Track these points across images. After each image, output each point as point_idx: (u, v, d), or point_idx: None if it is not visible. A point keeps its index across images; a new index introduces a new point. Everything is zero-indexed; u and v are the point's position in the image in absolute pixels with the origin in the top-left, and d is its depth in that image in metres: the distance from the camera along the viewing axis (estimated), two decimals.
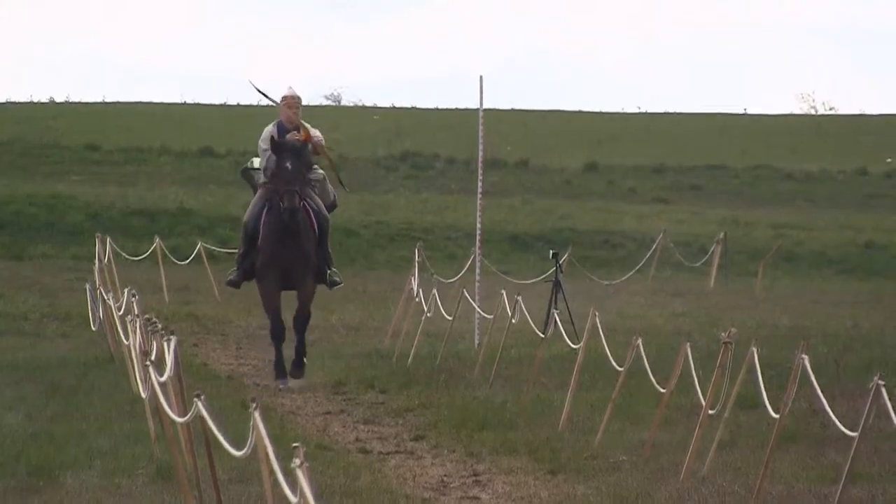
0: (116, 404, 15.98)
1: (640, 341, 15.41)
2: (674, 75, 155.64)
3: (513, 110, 73.89)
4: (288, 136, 18.08)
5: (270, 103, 19.63)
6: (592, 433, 15.05)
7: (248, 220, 18.50)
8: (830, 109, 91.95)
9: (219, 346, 23.00)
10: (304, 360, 18.37)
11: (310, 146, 18.31)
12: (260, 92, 18.99)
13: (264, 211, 18.04)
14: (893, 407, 11.09)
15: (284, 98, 18.52)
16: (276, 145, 17.95)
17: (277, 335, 18.10)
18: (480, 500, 12.77)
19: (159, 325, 15.63)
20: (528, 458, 14.23)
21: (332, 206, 18.86)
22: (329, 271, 18.37)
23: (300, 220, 17.72)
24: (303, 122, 18.30)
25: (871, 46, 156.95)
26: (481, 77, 22.99)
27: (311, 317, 18.69)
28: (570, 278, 27.55)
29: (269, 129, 18.23)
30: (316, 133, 18.49)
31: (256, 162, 18.78)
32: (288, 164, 17.58)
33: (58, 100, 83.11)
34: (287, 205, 17.41)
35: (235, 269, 18.61)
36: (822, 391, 12.34)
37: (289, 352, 18.53)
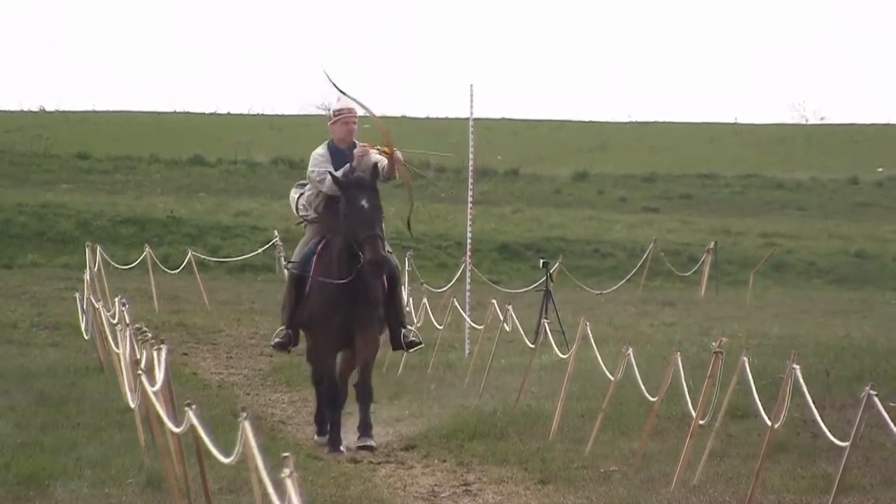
0: (106, 413, 15.96)
1: (630, 351, 15.41)
2: (664, 84, 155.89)
3: (503, 119, 74.02)
4: (357, 161, 15.37)
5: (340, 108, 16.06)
6: (583, 443, 15.03)
7: (295, 269, 15.71)
8: (821, 119, 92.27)
9: (209, 356, 23.00)
10: (371, 425, 15.47)
11: (382, 169, 15.40)
12: (337, 87, 15.82)
13: (315, 256, 15.39)
14: (889, 415, 11.11)
15: (338, 112, 15.69)
16: (346, 182, 15.08)
17: (333, 402, 15.46)
18: None
19: (150, 335, 15.63)
20: (519, 467, 14.23)
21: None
22: (403, 330, 15.80)
23: (372, 280, 15.14)
24: (372, 152, 15.56)
25: (861, 56, 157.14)
26: (472, 86, 22.92)
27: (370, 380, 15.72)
28: (560, 287, 27.57)
29: (321, 154, 15.51)
30: (378, 158, 15.57)
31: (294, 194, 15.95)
32: (364, 203, 14.92)
33: (48, 108, 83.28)
34: (370, 256, 14.75)
35: (283, 328, 15.81)
36: (813, 401, 12.33)
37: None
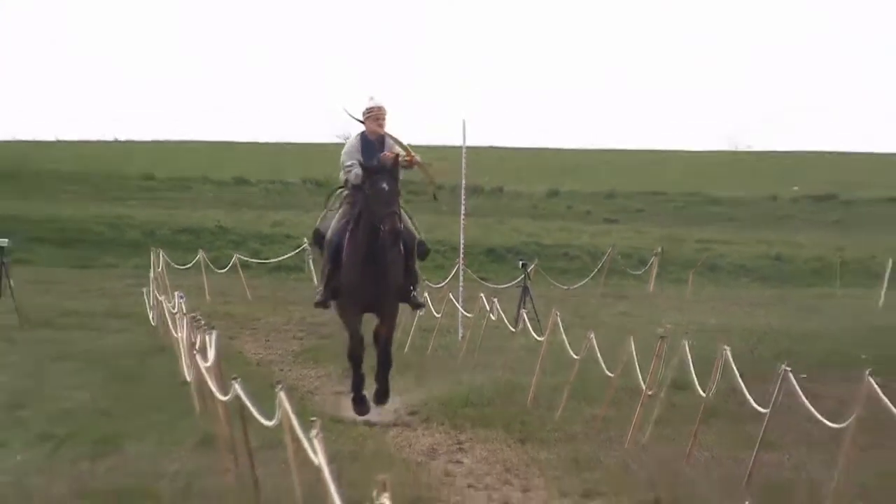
0: (168, 386, 15.98)
1: (592, 335, 15.50)
2: (623, 117, 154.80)
3: (490, 147, 73.72)
4: (383, 156, 15.13)
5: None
6: (554, 409, 15.13)
7: (332, 238, 15.40)
8: (748, 147, 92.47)
9: (250, 339, 23.00)
10: (389, 385, 15.46)
11: (402, 160, 15.30)
12: (350, 115, 15.57)
13: (350, 231, 15.15)
14: (800, 388, 11.23)
15: (369, 110, 15.36)
16: (370, 167, 14.91)
17: (356, 357, 15.33)
18: (463, 464, 12.77)
19: (202, 322, 15.69)
20: (502, 429, 14.26)
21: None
22: (413, 292, 15.69)
23: (392, 250, 14.99)
24: (391, 135, 15.41)
25: (781, 95, 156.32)
26: (464, 121, 22.91)
27: (392, 340, 15.81)
28: (535, 284, 27.57)
29: (353, 143, 15.35)
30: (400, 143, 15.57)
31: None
32: (385, 186, 14.76)
33: (120, 139, 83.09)
34: (389, 227, 14.59)
35: (321, 289, 15.56)
36: (740, 376, 12.43)
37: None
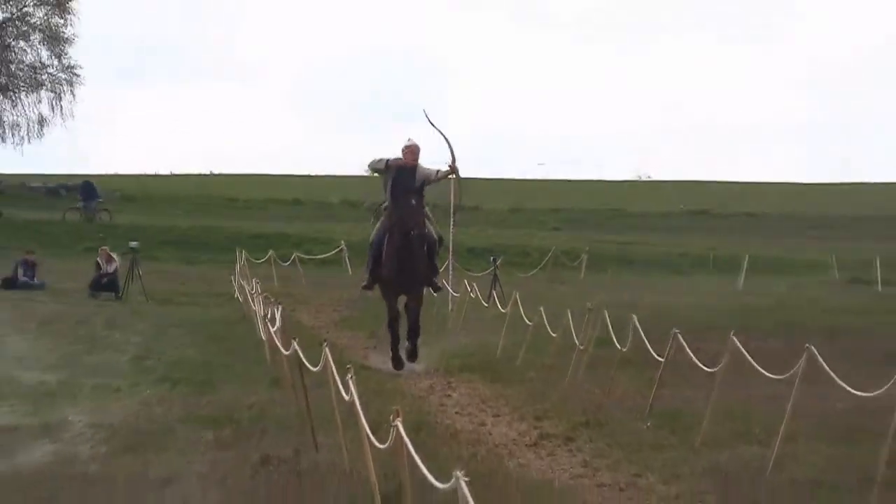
0: (248, 344, 15.97)
1: (542, 308, 15.54)
2: (562, 154, 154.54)
3: (472, 178, 74.21)
4: (420, 177, 14.52)
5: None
6: (515, 360, 15.12)
7: (374, 240, 14.89)
8: (648, 176, 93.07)
9: (305, 312, 22.99)
10: (418, 347, 15.02)
11: (438, 176, 14.80)
12: (432, 124, 15.01)
13: (387, 235, 14.64)
14: (686, 344, 11.25)
15: (408, 147, 14.64)
16: (409, 189, 14.37)
17: (394, 326, 14.84)
18: (452, 398, 12.78)
19: (272, 299, 15.75)
20: (479, 374, 14.27)
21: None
22: (435, 279, 15.29)
23: (419, 248, 14.56)
24: (426, 167, 14.74)
25: (679, 130, 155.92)
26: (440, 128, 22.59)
27: (420, 316, 15.23)
28: (502, 273, 27.62)
29: (383, 158, 14.68)
30: (432, 171, 14.87)
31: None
32: (413, 202, 14.30)
33: (215, 172, 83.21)
34: (417, 232, 14.31)
35: (368, 276, 15.07)
36: (645, 337, 12.45)
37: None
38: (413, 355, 14.89)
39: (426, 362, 15.36)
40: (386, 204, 14.82)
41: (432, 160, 15.19)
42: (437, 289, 15.76)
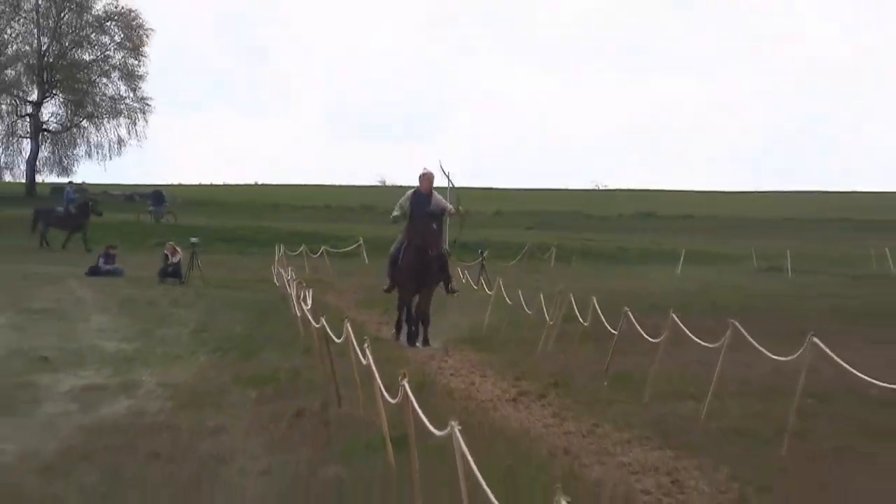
0: (285, 320, 15.91)
1: (520, 291, 15.55)
2: (533, 167, 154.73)
3: (461, 188, 74.40)
4: (436, 205, 14.29)
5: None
6: (498, 333, 15.07)
7: (393, 252, 14.58)
8: (605, 186, 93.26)
9: (331, 294, 22.89)
10: (429, 336, 14.52)
11: (450, 211, 14.73)
12: (446, 175, 14.98)
13: (404, 247, 14.35)
14: (635, 320, 11.25)
15: (424, 175, 14.46)
16: (430, 213, 14.16)
17: (410, 321, 14.54)
18: (448, 363, 12.74)
19: (304, 284, 15.69)
20: (470, 344, 14.26)
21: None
22: (451, 286, 14.95)
23: (434, 265, 14.21)
24: (439, 197, 14.56)
25: (632, 145, 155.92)
26: (449, 172, 22.67)
27: (430, 307, 14.72)
28: (488, 263, 27.58)
29: (407, 195, 14.42)
30: (445, 204, 14.75)
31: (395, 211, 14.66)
32: (434, 226, 14.11)
33: (259, 182, 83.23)
34: (434, 251, 14.03)
35: (387, 281, 14.85)
36: (602, 314, 12.46)
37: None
38: (425, 342, 14.49)
39: (438, 340, 15.29)
40: (395, 215, 14.53)
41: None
42: (452, 291, 15.34)
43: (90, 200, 35.96)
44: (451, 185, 14.99)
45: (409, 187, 14.88)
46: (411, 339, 14.41)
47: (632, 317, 11.24)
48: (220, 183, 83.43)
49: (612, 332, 11.71)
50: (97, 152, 61.09)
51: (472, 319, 16.52)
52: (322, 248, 33.65)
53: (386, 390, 6.86)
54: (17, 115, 60.80)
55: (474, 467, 4.54)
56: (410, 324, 14.52)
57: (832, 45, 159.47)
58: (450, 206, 14.76)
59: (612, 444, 8.20)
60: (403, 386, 6.04)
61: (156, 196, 50.65)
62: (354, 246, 36.25)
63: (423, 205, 14.26)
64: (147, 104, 61.48)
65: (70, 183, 41.54)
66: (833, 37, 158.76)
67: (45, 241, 33.53)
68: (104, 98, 61.25)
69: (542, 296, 14.43)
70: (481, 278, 23.58)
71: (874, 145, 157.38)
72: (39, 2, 59.69)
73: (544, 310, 14.08)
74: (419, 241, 14.03)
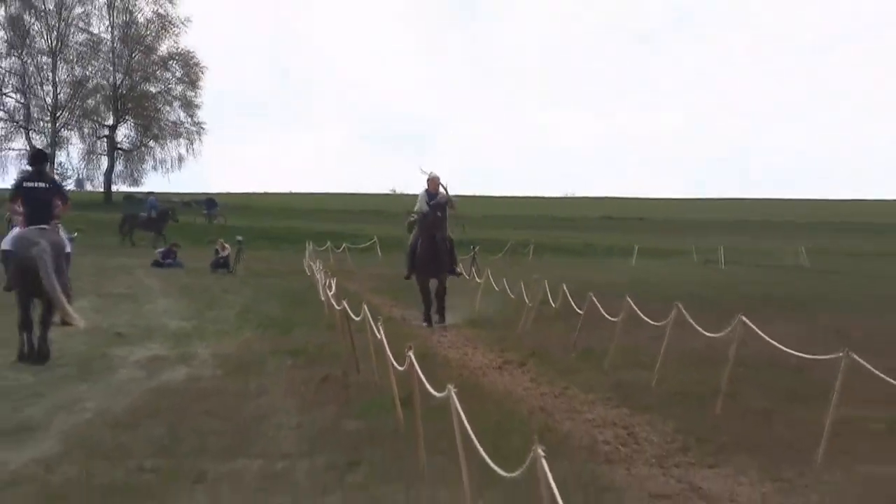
0: (314, 303, 15.81)
1: (504, 280, 15.51)
2: (514, 177, 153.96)
3: (460, 195, 74.07)
4: (440, 199, 13.88)
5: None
6: (488, 313, 15.01)
7: (411, 245, 14.33)
8: (573, 193, 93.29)
9: (351, 282, 22.64)
10: (445, 315, 14.13)
11: (451, 203, 14.07)
12: (423, 171, 14.00)
13: (420, 239, 14.00)
14: (598, 303, 11.20)
15: (431, 179, 14.02)
16: (435, 206, 13.80)
17: (426, 299, 14.09)
18: (446, 337, 12.68)
19: (329, 274, 15.65)
20: (464, 322, 14.18)
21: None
22: (455, 267, 14.51)
23: (442, 246, 13.91)
24: (442, 190, 14.06)
25: (594, 155, 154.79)
26: (446, 184, 22.48)
27: (446, 293, 14.26)
28: (479, 257, 27.53)
29: (422, 195, 14.08)
30: (450, 195, 14.20)
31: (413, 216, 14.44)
32: (439, 214, 13.81)
33: (293, 190, 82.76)
34: (440, 236, 13.72)
35: (407, 268, 14.41)
36: (571, 298, 12.42)
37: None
38: (442, 320, 14.12)
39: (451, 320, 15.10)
40: (414, 217, 14.30)
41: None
42: (456, 274, 14.92)
43: (170, 209, 36.44)
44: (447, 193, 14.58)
45: (416, 195, 14.69)
46: (429, 320, 14.09)
47: (595, 300, 11.20)
48: (261, 191, 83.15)
49: (579, 312, 11.66)
50: (161, 167, 61.79)
51: (466, 303, 16.48)
52: (344, 244, 33.55)
53: (395, 360, 6.84)
54: (96, 136, 61.88)
55: (466, 423, 4.53)
56: (428, 305, 14.20)
57: (747, 81, 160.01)
58: (447, 201, 14.34)
59: (580, 404, 8.18)
60: (409, 356, 6.02)
61: (209, 202, 50.76)
62: (370, 243, 36.12)
63: (432, 199, 14.07)
64: (202, 128, 61.83)
65: (151, 193, 41.95)
66: (748, 75, 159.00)
67: (132, 240, 34.20)
68: (167, 123, 61.80)
69: (522, 284, 14.38)
70: (473, 269, 23.46)
71: (787, 159, 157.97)
72: (115, 45, 60.72)
73: (524, 294, 14.03)
74: (429, 229, 13.83)
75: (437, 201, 13.98)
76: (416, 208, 14.32)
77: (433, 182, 14.25)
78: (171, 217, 35.21)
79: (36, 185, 9.79)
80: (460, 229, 17.94)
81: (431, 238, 13.88)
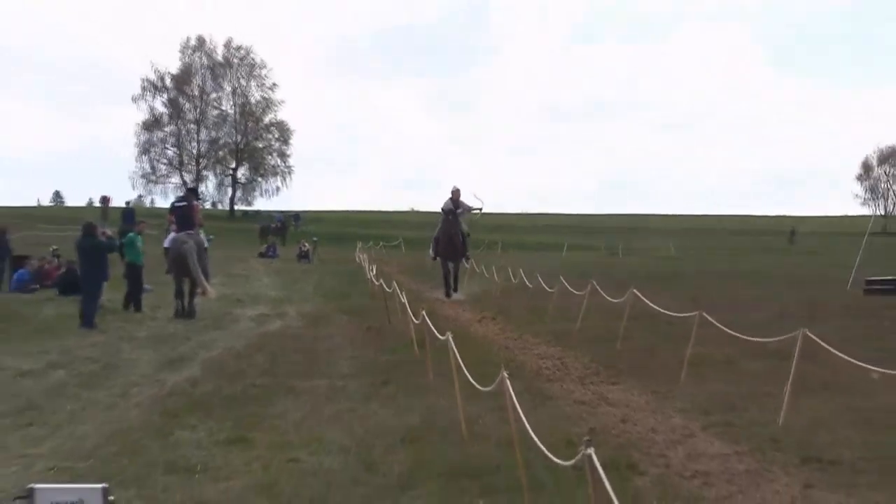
0: (362, 281, 15.44)
1: (482, 266, 15.27)
2: (499, 193, 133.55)
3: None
4: (464, 207, 12.53)
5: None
6: (478, 291, 14.46)
7: (437, 235, 12.83)
8: (528, 211, 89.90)
9: (385, 266, 22.13)
10: (459, 288, 13.19)
11: (471, 210, 13.05)
12: (475, 196, 13.10)
13: (441, 232, 12.94)
14: (542, 280, 11.01)
15: (453, 191, 13.00)
16: (449, 211, 12.53)
17: (446, 277, 13.10)
18: (445, 303, 12.27)
19: (372, 261, 15.41)
20: (469, 302, 13.23)
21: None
22: (467, 254, 13.48)
23: (457, 240, 12.88)
24: (463, 201, 13.01)
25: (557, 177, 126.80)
26: (459, 189, 21.64)
27: (459, 271, 13.40)
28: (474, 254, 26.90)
29: (447, 201, 12.98)
30: (468, 205, 13.16)
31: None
32: (451, 218, 12.70)
33: (350, 208, 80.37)
34: (454, 232, 12.69)
35: (432, 253, 13.42)
36: (525, 277, 12.17)
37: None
38: (456, 292, 13.16)
39: (462, 294, 14.04)
40: (443, 209, 13.11)
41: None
42: (468, 259, 13.87)
43: (287, 222, 37.59)
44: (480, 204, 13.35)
45: (435, 211, 13.96)
46: (448, 294, 13.22)
47: (540, 279, 11.11)
48: (329, 209, 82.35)
49: (530, 286, 11.56)
50: (266, 193, 64.09)
51: (466, 288, 15.36)
52: (381, 243, 33.29)
53: (414, 316, 6.83)
54: (224, 175, 64.38)
55: (458, 356, 4.54)
56: (448, 284, 13.32)
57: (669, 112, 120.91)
58: (471, 207, 13.42)
59: (530, 345, 8.15)
60: (423, 314, 6.03)
61: (296, 216, 51.13)
62: (397, 242, 35.86)
63: (453, 206, 13.07)
64: (291, 169, 63.62)
65: (279, 211, 42.33)
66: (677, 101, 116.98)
67: (266, 240, 33.40)
68: (269, 166, 63.72)
69: (493, 268, 14.19)
70: (469, 261, 22.70)
71: (664, 181, 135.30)
72: (236, 117, 64.07)
73: (495, 275, 13.88)
74: (447, 231, 12.94)
75: (450, 208, 12.92)
76: (441, 207, 13.21)
77: (455, 192, 13.24)
78: (292, 225, 36.46)
79: (182, 204, 10.51)
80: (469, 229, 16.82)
81: (448, 234, 12.96)
